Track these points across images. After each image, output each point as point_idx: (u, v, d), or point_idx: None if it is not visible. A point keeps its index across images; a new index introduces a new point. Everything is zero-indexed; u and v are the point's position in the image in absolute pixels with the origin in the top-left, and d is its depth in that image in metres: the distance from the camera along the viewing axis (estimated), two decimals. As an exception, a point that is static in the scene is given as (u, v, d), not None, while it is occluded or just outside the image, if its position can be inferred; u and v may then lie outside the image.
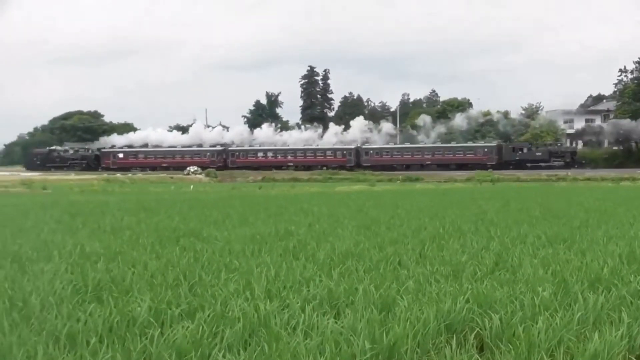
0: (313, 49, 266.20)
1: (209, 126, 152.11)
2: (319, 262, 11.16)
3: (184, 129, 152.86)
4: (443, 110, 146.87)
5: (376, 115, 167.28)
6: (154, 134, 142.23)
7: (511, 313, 7.44)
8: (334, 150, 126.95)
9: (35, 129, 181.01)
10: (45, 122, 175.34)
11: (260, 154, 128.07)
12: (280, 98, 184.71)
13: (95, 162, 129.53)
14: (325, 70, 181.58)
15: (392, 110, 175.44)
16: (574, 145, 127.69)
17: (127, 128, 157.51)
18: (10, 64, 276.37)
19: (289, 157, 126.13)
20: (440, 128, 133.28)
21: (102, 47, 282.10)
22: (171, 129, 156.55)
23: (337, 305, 8.05)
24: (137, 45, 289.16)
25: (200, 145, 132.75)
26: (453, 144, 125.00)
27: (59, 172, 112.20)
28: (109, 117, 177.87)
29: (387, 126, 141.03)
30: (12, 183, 74.15)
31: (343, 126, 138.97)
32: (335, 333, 6.66)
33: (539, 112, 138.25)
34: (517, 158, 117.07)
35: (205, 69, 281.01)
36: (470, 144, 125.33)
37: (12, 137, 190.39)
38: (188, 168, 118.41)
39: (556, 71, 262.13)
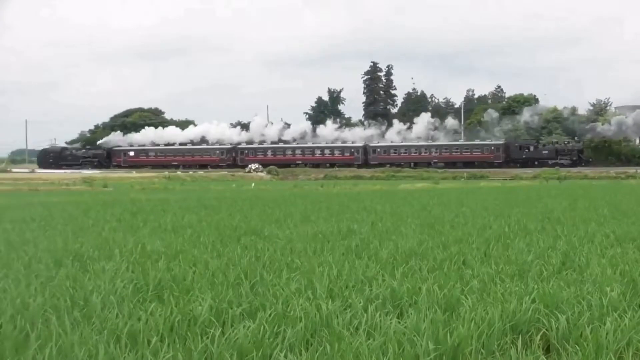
0: (376, 44, 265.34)
1: (270, 123, 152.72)
2: (381, 261, 11.14)
3: (245, 126, 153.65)
4: (508, 106, 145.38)
5: (440, 111, 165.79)
6: (214, 128, 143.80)
7: (578, 314, 7.37)
8: (342, 149, 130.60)
9: (96, 126, 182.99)
10: (107, 119, 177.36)
11: (269, 152, 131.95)
12: (342, 94, 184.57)
13: (107, 160, 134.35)
14: (388, 66, 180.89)
15: (456, 106, 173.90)
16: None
17: (187, 125, 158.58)
18: (72, 61, 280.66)
19: (298, 155, 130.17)
20: (507, 125, 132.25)
21: (162, 43, 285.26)
22: (233, 125, 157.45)
23: (400, 305, 8.02)
24: (198, 41, 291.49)
25: (208, 143, 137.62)
26: (460, 142, 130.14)
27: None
28: (170, 114, 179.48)
29: (451, 123, 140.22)
30: (73, 181, 75.35)
31: (408, 124, 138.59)
32: (398, 333, 6.64)
33: (608, 108, 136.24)
34: (524, 156, 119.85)
35: (266, 65, 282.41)
36: (477, 141, 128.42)
37: (73, 135, 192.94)
38: (250, 165, 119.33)
39: (626, 66, 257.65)
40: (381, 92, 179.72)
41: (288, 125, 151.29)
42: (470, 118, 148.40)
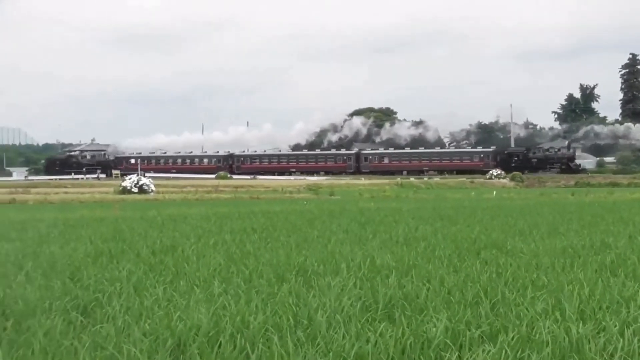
0: (636, 32, 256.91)
1: (515, 123, 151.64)
2: (640, 279, 10.80)
3: (485, 127, 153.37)
4: None
5: None
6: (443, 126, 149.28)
7: None
8: (335, 156, 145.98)
9: (323, 129, 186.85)
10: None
11: (264, 160, 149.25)
12: (596, 91, 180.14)
13: (110, 167, 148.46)
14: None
15: None
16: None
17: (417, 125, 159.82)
18: (295, 57, 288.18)
19: (291, 163, 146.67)
20: None
21: (394, 36, 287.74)
22: (472, 126, 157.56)
23: (663, 330, 7.74)
24: (434, 33, 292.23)
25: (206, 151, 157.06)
26: (451, 149, 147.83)
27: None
28: (402, 114, 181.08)
29: None
30: (298, 188, 77.29)
31: None
32: (660, 362, 6.43)
33: None
34: (513, 164, 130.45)
35: (511, 58, 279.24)
36: (467, 149, 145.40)
37: (297, 138, 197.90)
38: (491, 171, 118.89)
39: None
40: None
41: (535, 126, 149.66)
42: None
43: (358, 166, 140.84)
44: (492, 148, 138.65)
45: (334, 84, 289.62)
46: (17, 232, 20.88)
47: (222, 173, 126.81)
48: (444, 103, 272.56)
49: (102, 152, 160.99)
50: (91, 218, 28.26)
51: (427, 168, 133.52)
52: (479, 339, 7.41)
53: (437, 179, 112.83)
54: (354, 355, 6.73)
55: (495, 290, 9.70)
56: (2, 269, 11.99)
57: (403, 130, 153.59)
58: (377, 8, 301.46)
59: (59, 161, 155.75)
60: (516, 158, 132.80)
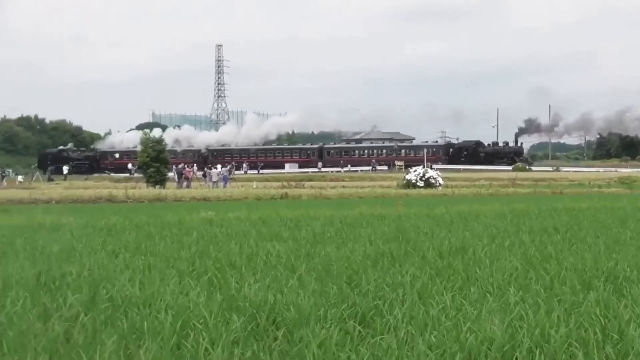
0: None
1: None
2: None
3: None
4: None
5: None
6: None
7: None
8: (299, 150, 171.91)
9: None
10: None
11: (235, 154, 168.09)
12: None
13: (97, 162, 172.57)
14: None
15: None
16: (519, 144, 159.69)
17: None
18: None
19: (260, 157, 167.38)
20: None
21: None
22: None
23: None
24: None
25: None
26: (406, 144, 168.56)
27: None
28: None
29: None
30: (607, 182, 75.80)
31: None
32: None
33: None
34: (463, 159, 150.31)
35: None
36: (420, 143, 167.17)
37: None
38: None
39: None
40: None
41: None
42: None
43: (321, 160, 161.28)
44: (444, 142, 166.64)
45: None
46: (289, 230, 21.35)
47: (520, 164, 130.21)
48: None
49: (92, 148, 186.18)
50: (371, 215, 28.49)
51: (383, 162, 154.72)
52: None
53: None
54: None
55: None
56: (273, 272, 12.25)
57: None
58: None
59: (50, 155, 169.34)
60: (465, 152, 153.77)
